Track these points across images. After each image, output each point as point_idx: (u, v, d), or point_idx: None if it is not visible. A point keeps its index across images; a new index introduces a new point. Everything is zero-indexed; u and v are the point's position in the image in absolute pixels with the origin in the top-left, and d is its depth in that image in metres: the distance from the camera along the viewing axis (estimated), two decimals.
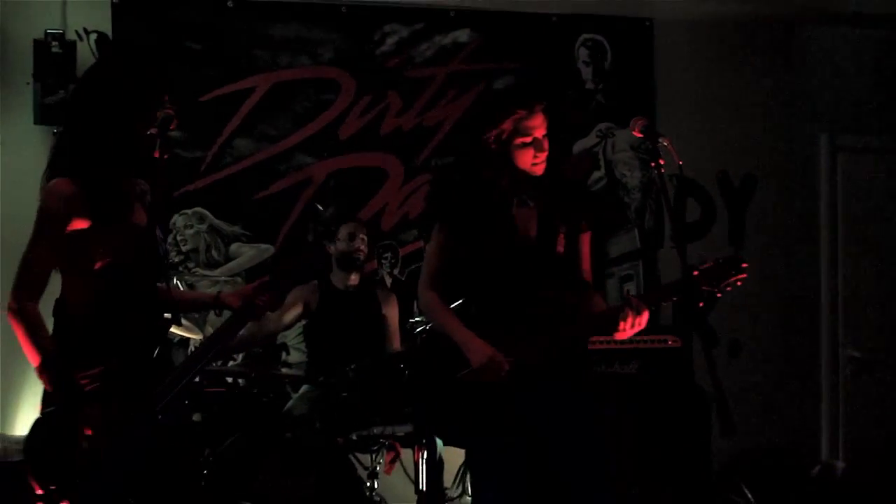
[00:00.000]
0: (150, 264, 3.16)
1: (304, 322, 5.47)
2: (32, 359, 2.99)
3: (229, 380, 5.15)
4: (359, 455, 5.06)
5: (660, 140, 3.39)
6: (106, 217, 3.06)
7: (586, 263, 3.64)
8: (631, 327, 3.34)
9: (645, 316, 3.35)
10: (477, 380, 3.43)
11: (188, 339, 5.37)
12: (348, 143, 6.06)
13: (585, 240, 3.62)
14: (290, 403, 5.19)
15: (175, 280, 4.88)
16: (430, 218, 3.72)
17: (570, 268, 3.58)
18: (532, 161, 3.48)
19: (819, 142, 6.72)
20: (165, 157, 3.05)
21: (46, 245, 3.05)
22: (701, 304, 3.33)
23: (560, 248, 3.54)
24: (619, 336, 3.39)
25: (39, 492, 2.93)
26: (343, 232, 5.32)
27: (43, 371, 2.98)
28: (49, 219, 3.04)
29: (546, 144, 3.49)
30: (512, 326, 3.46)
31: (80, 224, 3.05)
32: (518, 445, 3.48)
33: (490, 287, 3.54)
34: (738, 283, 3.38)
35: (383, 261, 6.08)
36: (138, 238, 3.11)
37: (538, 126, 3.47)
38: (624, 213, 6.38)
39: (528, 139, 3.45)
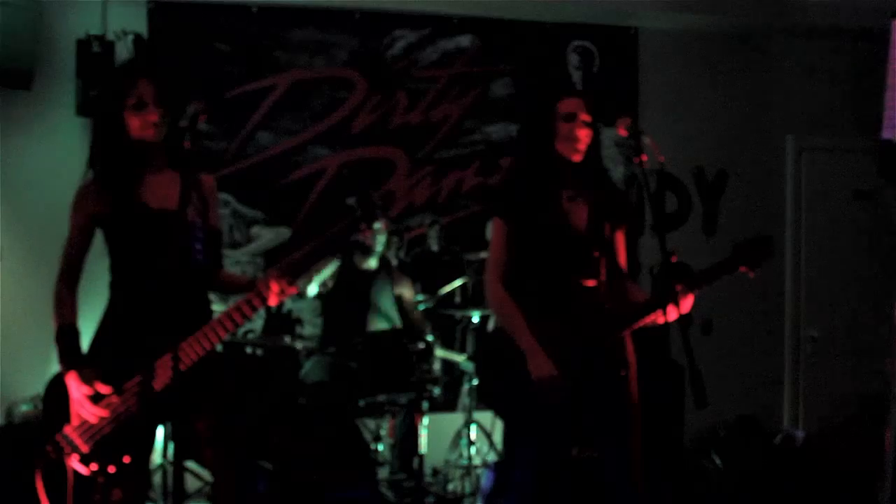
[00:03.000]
0: (180, 244, 3.11)
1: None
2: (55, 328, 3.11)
3: (249, 350, 5.13)
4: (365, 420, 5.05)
5: (642, 138, 3.31)
6: (115, 203, 3.09)
7: (622, 257, 3.55)
8: (677, 311, 3.20)
9: (689, 300, 3.25)
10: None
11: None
12: (360, 136, 6.01)
13: (621, 236, 3.55)
14: (303, 372, 5.17)
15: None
16: (489, 211, 3.57)
17: (613, 258, 3.50)
18: (568, 136, 3.39)
19: (786, 142, 6.70)
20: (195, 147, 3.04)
21: (76, 235, 3.13)
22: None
23: (606, 240, 3.47)
24: (662, 320, 3.25)
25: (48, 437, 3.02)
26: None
27: (55, 339, 3.07)
28: (72, 212, 3.14)
29: (585, 128, 3.40)
30: (560, 315, 3.37)
31: (99, 212, 3.10)
32: (551, 428, 3.39)
33: (541, 276, 3.43)
34: (764, 261, 3.32)
35: (391, 244, 6.04)
36: (164, 221, 3.08)
37: (576, 107, 3.40)
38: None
39: (565, 116, 3.39)
